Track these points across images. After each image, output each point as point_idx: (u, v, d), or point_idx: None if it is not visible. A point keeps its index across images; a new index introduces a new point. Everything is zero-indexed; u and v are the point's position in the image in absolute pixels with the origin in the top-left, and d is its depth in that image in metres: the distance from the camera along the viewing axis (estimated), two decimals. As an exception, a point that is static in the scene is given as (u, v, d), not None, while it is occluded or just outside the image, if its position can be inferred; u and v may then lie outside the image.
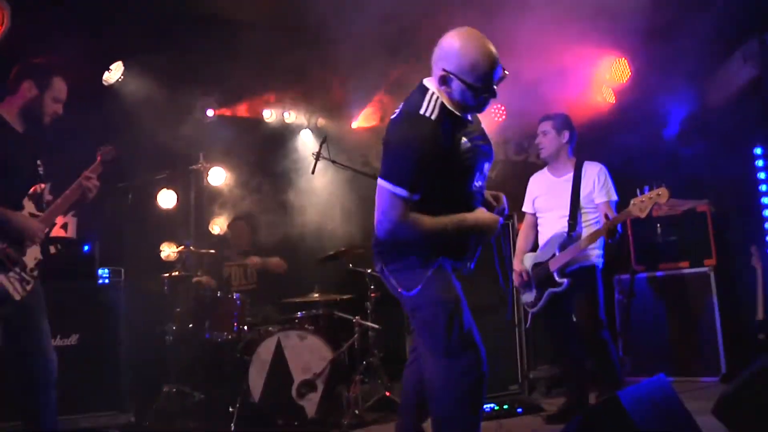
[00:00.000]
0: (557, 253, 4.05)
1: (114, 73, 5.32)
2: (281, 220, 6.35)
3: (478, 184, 2.66)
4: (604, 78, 5.80)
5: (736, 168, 5.40)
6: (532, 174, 4.57)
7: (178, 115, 5.80)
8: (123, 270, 4.64)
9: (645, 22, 4.72)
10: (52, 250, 3.42)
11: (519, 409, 4.62)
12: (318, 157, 5.13)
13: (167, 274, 5.18)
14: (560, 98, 5.44)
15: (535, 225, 4.45)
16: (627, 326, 5.46)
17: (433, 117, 2.50)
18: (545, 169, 4.42)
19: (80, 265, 4.40)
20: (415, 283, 2.56)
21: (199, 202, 6.46)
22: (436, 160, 2.46)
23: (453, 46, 2.51)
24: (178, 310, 5.19)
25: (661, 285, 5.56)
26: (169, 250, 6.03)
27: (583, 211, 4.11)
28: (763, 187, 5.42)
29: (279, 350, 4.74)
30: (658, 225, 5.65)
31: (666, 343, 5.44)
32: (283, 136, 6.69)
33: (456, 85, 2.50)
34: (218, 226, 6.91)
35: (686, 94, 5.35)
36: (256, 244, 6.16)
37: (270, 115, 6.60)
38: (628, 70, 5.67)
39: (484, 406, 4.64)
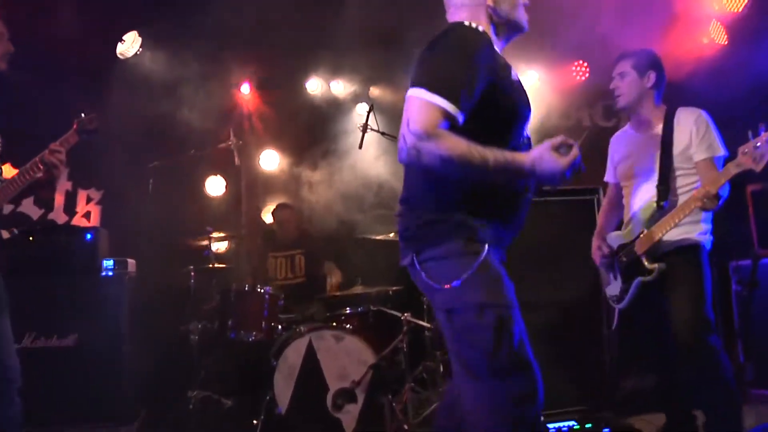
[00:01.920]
0: (645, 231, 3.06)
1: (128, 45, 4.76)
2: (331, 205, 5.67)
3: (525, 139, 2.17)
4: (713, 10, 4.59)
5: None
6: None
7: (208, 90, 5.21)
8: (134, 261, 4.08)
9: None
10: (5, 234, 2.85)
11: (606, 430, 3.85)
12: (365, 129, 4.46)
13: (192, 267, 4.60)
14: (656, 46, 4.37)
15: (620, 197, 3.46)
16: (748, 325, 4.32)
17: (481, 29, 2.10)
18: (627, 126, 3.41)
19: (81, 256, 3.86)
20: (454, 274, 1.99)
21: (240, 185, 5.95)
22: (487, 78, 1.97)
23: None
24: (206, 307, 4.62)
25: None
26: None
27: (678, 173, 3.07)
28: None
29: (310, 353, 4.06)
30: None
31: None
32: (331, 109, 5.96)
33: None
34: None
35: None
36: (304, 232, 5.51)
37: (315, 87, 5.88)
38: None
39: (563, 424, 3.87)
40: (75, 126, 3.10)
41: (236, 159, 4.85)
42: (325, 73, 5.79)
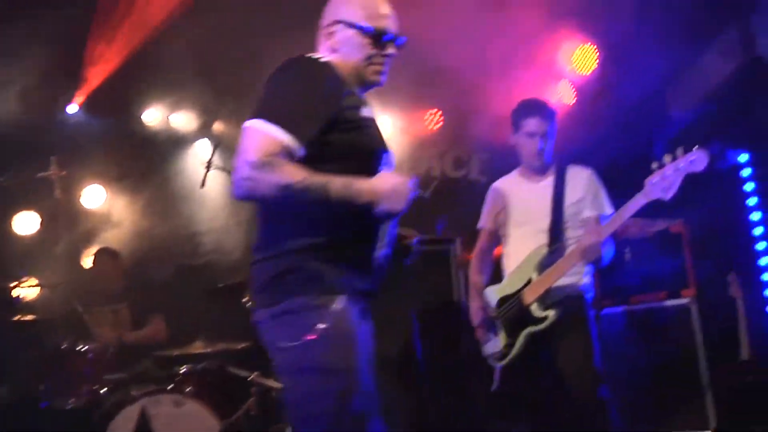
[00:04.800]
0: (534, 277, 2.95)
1: None
2: (164, 250, 5.07)
3: None
4: (565, 69, 4.80)
5: (716, 180, 4.52)
6: (472, 193, 3.81)
7: (28, 107, 4.45)
8: None
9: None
10: None
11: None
12: (209, 166, 4.08)
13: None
14: (508, 99, 4.45)
15: (493, 246, 3.36)
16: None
17: (325, 60, 1.95)
18: (515, 174, 3.32)
19: None
20: (302, 331, 1.78)
21: (58, 224, 5.12)
22: (332, 109, 1.83)
23: None
24: (10, 369, 3.79)
25: (634, 321, 4.55)
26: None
27: (565, 226, 3.05)
28: (752, 201, 4.55)
29: (144, 423, 3.45)
30: (627, 250, 4.68)
31: (644, 392, 4.39)
32: (170, 144, 5.37)
33: (342, 35, 1.98)
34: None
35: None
36: (130, 281, 4.79)
37: (152, 118, 5.26)
38: (595, 59, 4.71)
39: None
40: None
41: (57, 191, 4.12)
42: (166, 103, 5.21)
